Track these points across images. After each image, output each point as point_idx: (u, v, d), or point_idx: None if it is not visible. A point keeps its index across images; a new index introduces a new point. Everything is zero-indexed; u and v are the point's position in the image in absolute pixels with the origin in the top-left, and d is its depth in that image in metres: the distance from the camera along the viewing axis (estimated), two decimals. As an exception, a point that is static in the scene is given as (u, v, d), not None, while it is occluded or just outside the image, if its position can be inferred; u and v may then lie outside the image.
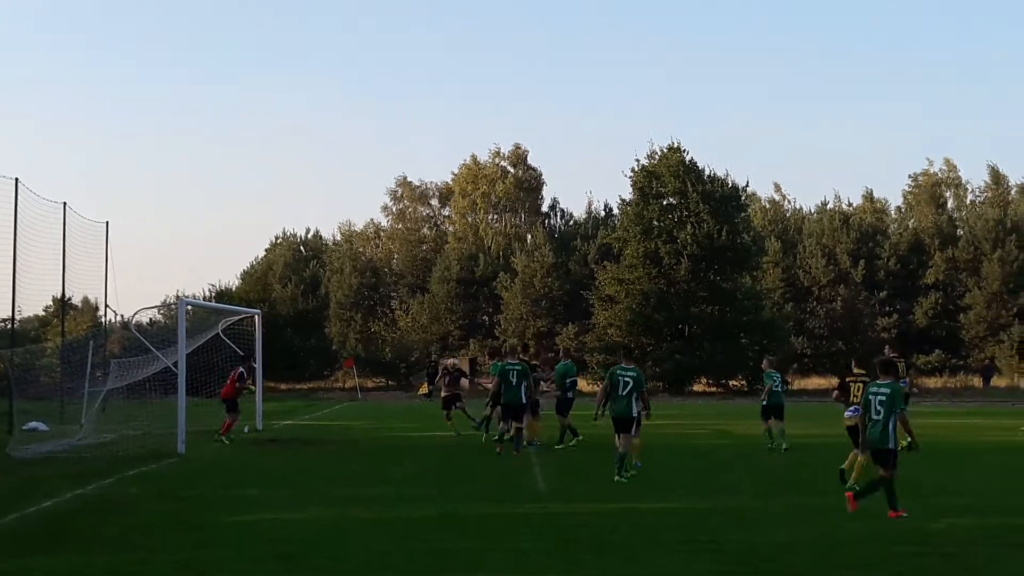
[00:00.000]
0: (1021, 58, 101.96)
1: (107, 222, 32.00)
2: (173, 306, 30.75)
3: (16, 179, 25.49)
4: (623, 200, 55.26)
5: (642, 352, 46.82)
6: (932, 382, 53.94)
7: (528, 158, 70.01)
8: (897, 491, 11.84)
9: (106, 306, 33.27)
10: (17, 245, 25.42)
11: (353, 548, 10.16)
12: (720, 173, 52.35)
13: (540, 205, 69.97)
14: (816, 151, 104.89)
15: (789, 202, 71.07)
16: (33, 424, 24.61)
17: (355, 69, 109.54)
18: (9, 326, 28.65)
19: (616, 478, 15.26)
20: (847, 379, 16.96)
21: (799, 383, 55.79)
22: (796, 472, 17.07)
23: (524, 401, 19.42)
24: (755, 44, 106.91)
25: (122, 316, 35.70)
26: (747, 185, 55.06)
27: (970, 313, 56.44)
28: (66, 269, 29.31)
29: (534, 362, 22.51)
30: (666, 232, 50.96)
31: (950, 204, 67.21)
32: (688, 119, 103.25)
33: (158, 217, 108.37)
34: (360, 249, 72.96)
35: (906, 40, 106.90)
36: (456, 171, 71.14)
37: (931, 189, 66.34)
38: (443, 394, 24.01)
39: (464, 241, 67.33)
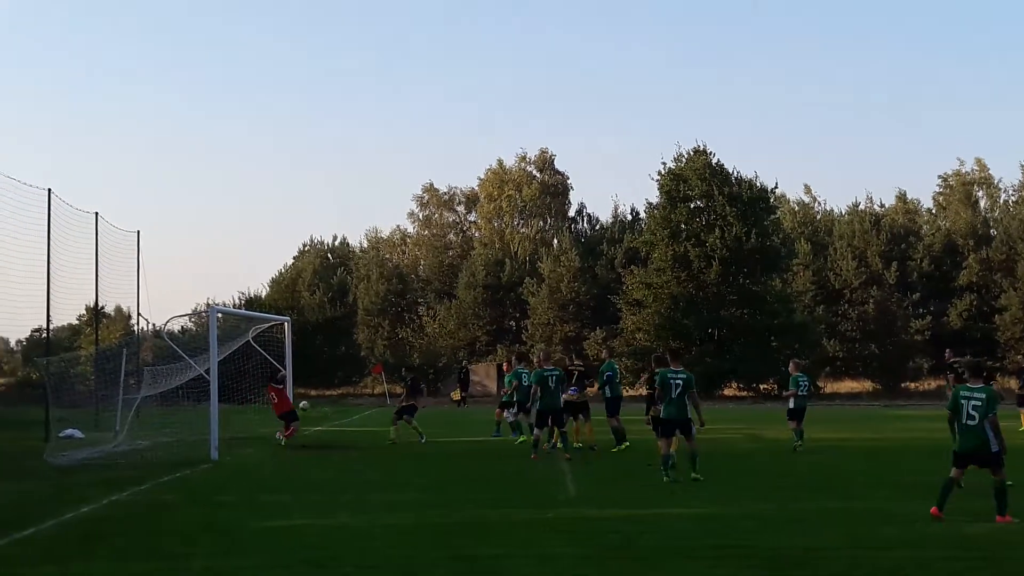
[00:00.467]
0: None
1: (138, 231, 32.34)
2: (204, 314, 31.10)
3: (49, 190, 25.79)
4: (650, 204, 55.19)
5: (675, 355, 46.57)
6: (967, 384, 53.24)
7: (555, 162, 70.10)
8: (933, 495, 11.78)
9: (139, 314, 33.60)
10: (51, 255, 25.67)
11: (382, 554, 10.21)
12: (749, 175, 52.23)
13: (567, 210, 69.91)
14: (847, 152, 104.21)
15: (819, 204, 70.63)
16: (69, 431, 24.88)
17: (380, 76, 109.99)
18: (43, 335, 28.97)
19: (664, 479, 15.53)
20: (953, 362, 17.82)
21: (831, 387, 55.44)
22: (827, 476, 16.98)
23: (562, 406, 19.58)
24: (783, 45, 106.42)
25: (154, 324, 36.05)
26: (776, 187, 54.89)
27: (1005, 314, 55.74)
28: (99, 278, 29.59)
29: (577, 363, 22.67)
30: (694, 235, 50.83)
31: (983, 204, 66.52)
32: (716, 121, 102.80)
33: (188, 226, 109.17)
34: (387, 256, 73.16)
35: (936, 38, 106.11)
36: (482, 176, 71.30)
37: (963, 189, 65.68)
38: (401, 403, 24.64)
39: (490, 246, 67.36)
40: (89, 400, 28.47)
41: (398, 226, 77.01)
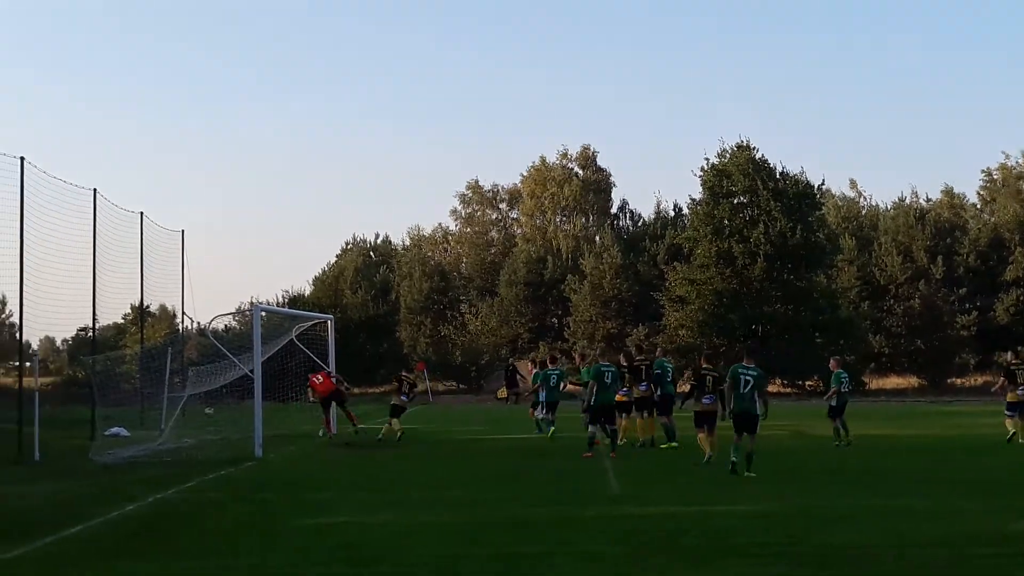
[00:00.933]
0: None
1: (183, 231, 32.60)
2: (248, 312, 31.25)
3: (95, 190, 26.07)
4: (693, 200, 54.89)
5: (715, 352, 46.39)
6: (1014, 380, 52.52)
7: (597, 159, 69.87)
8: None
9: (183, 313, 33.92)
10: (96, 255, 25.95)
11: (424, 552, 10.21)
12: (794, 171, 51.82)
13: (610, 207, 69.65)
14: (893, 146, 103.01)
15: (865, 199, 69.87)
16: (115, 430, 25.19)
17: (422, 74, 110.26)
18: (89, 334, 29.32)
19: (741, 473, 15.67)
20: (1011, 366, 18.31)
21: (876, 383, 54.84)
22: (872, 473, 16.80)
23: (616, 402, 19.53)
24: (827, 39, 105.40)
25: (199, 323, 36.42)
26: (823, 183, 54.46)
27: (1053, 310, 54.92)
28: (144, 277, 29.87)
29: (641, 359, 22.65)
30: (737, 231, 50.50)
31: (1029, 197, 65.42)
32: (760, 116, 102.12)
33: (232, 225, 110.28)
34: (429, 253, 73.32)
35: (982, 31, 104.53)
36: (525, 173, 71.21)
37: (1013, 182, 64.67)
38: (393, 401, 24.63)
39: (533, 243, 67.28)
40: (134, 399, 28.78)
41: (440, 224, 77.21)
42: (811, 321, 49.94)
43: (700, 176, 52.59)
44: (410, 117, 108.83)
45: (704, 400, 18.02)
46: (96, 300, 25.96)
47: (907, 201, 63.77)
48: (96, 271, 25.84)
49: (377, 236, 73.26)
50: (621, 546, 10.42)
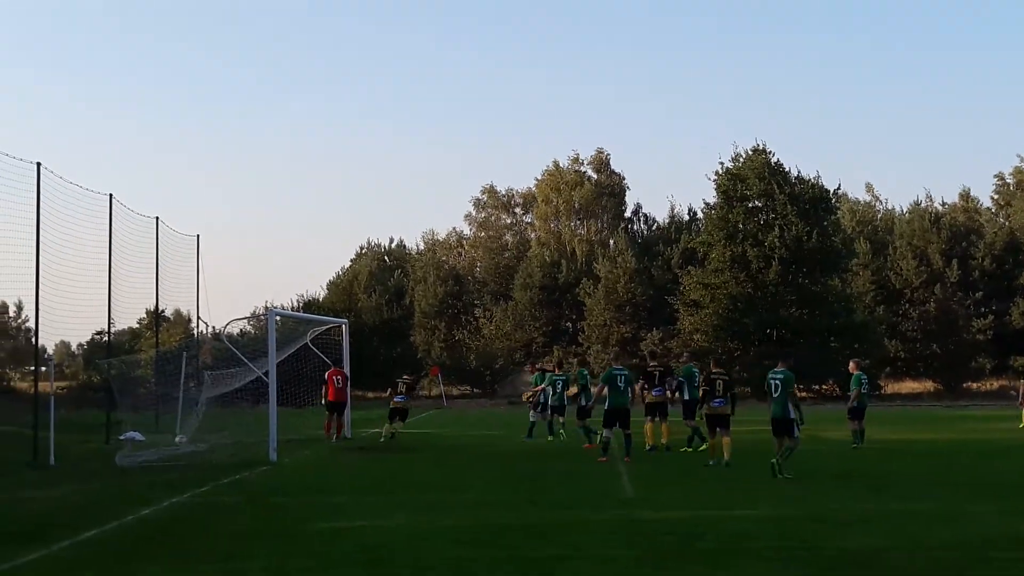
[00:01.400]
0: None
1: (198, 235, 32.66)
2: (262, 316, 31.27)
3: (111, 195, 26.15)
4: (707, 204, 54.89)
5: (730, 357, 46.34)
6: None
7: (610, 163, 69.87)
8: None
9: (198, 318, 33.96)
10: (112, 259, 26.05)
11: (438, 555, 10.20)
12: (809, 175, 51.74)
13: (623, 210, 69.60)
14: (908, 150, 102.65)
15: (880, 202, 69.65)
16: (130, 433, 25.22)
17: (438, 79, 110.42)
18: (104, 338, 29.41)
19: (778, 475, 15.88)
20: None
21: (892, 387, 54.64)
22: (888, 477, 16.75)
23: (630, 407, 19.61)
24: (840, 44, 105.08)
25: (213, 327, 36.49)
26: (839, 187, 54.39)
27: (1070, 313, 54.63)
28: (159, 282, 29.94)
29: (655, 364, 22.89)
30: (752, 236, 50.41)
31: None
32: (775, 120, 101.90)
33: (247, 230, 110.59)
34: (443, 258, 73.42)
35: (998, 35, 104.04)
36: (539, 177, 71.21)
37: (1026, 186, 64.39)
38: (392, 405, 25.04)
39: (547, 247, 67.28)
40: (149, 402, 28.85)
41: (454, 228, 77.36)
42: (826, 325, 49.82)
43: (714, 180, 52.57)
44: (426, 122, 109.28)
45: (714, 403, 18.18)
46: (112, 305, 26.05)
47: (922, 205, 63.59)
48: (112, 276, 25.92)
49: (391, 240, 73.55)
50: (635, 549, 10.40)
